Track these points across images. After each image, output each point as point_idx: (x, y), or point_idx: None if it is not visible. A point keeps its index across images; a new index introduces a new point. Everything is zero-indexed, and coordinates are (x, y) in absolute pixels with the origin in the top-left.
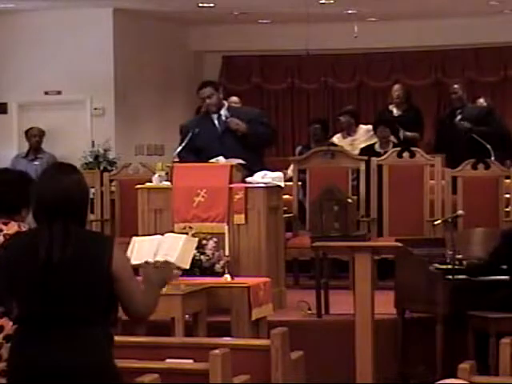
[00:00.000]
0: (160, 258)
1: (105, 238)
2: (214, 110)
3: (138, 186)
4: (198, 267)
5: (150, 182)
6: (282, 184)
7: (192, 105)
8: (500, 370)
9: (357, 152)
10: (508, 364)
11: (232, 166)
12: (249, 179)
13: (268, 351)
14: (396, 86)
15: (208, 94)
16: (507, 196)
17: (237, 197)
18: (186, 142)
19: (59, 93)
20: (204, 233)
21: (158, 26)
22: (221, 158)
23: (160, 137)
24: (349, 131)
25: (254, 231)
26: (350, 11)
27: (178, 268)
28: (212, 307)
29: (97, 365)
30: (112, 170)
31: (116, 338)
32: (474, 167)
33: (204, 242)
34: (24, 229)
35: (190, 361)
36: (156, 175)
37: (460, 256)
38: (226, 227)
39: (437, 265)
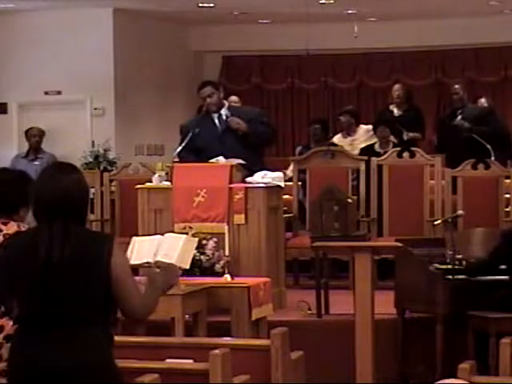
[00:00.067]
0: (160, 258)
1: (105, 237)
2: (215, 110)
3: (138, 186)
4: (198, 267)
5: (150, 181)
6: (282, 184)
7: (192, 105)
8: (500, 370)
9: (357, 152)
10: (508, 364)
11: (232, 166)
12: (249, 179)
13: (268, 351)
14: (396, 86)
15: (208, 94)
16: (507, 196)
17: (237, 197)
18: (186, 141)
19: (59, 93)
20: (204, 233)
21: (158, 26)
22: (221, 158)
23: (160, 137)
24: (349, 131)
25: (253, 231)
26: (350, 11)
27: (179, 268)
28: (212, 307)
29: (97, 365)
30: (112, 170)
31: (116, 338)
32: (474, 167)
33: (204, 241)
34: (23, 228)
35: (190, 361)
36: (156, 175)
37: (460, 256)
38: (226, 227)
39: (437, 265)
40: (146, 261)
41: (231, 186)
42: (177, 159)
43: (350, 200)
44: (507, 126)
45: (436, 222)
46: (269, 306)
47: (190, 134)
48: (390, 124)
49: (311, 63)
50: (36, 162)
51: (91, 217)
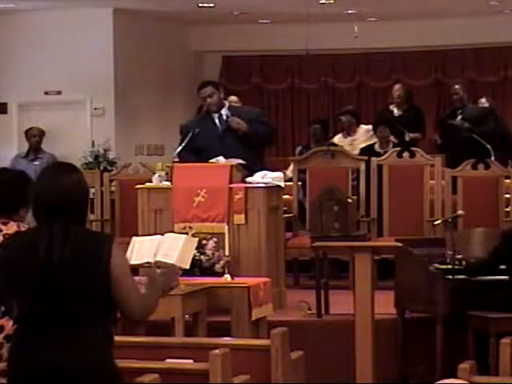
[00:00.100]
0: (160, 258)
1: (104, 238)
2: (215, 110)
3: (138, 186)
4: (198, 267)
5: (150, 181)
6: (282, 184)
7: (192, 105)
8: (500, 370)
9: (357, 152)
10: (508, 364)
11: (232, 166)
12: (249, 179)
13: (268, 351)
14: (397, 86)
15: (209, 94)
16: (507, 196)
17: (237, 197)
18: (186, 141)
19: (59, 93)
20: (204, 233)
21: (158, 26)
22: (221, 158)
23: (160, 137)
24: (349, 131)
25: (254, 231)
26: (350, 11)
27: (179, 268)
28: (212, 307)
29: (97, 365)
30: (112, 170)
31: (116, 338)
32: (474, 167)
33: (204, 241)
34: (23, 228)
35: (190, 361)
36: (156, 175)
37: (460, 256)
38: (226, 227)
39: (437, 265)
40: (146, 261)
41: (231, 186)
42: (177, 159)
43: (350, 200)
44: (507, 125)
45: (436, 222)
46: (269, 305)
47: (190, 134)
48: (390, 124)
49: (311, 63)
50: (36, 162)
51: (91, 217)
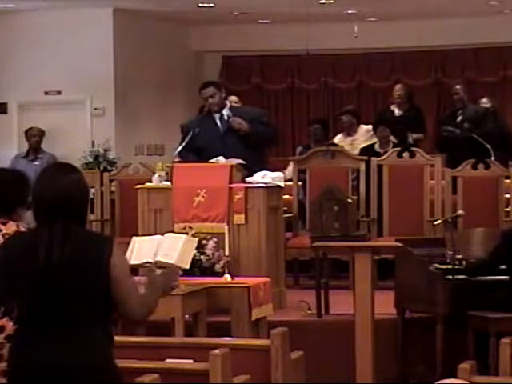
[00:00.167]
0: (160, 258)
1: (104, 239)
2: (216, 110)
3: (138, 186)
4: (198, 267)
5: (150, 182)
6: (282, 184)
7: (192, 105)
8: (500, 370)
9: (357, 152)
10: (508, 364)
11: (232, 166)
12: (249, 179)
13: (268, 351)
14: (397, 86)
15: (210, 94)
16: (507, 196)
17: (237, 197)
18: (186, 141)
19: (59, 93)
20: (204, 233)
21: (158, 26)
22: (221, 158)
23: (160, 137)
24: (350, 131)
25: (254, 231)
26: (350, 11)
27: (179, 268)
28: (212, 307)
29: (97, 365)
30: (112, 170)
31: (116, 338)
32: (474, 167)
33: (204, 241)
34: (23, 228)
35: (190, 361)
36: (156, 175)
37: (460, 256)
38: (226, 227)
39: (437, 265)
40: (145, 261)
41: (231, 186)
42: (177, 159)
43: (350, 200)
44: (507, 125)
45: (436, 222)
46: (269, 306)
47: (191, 134)
48: (389, 124)
49: (311, 63)
50: (36, 162)
51: (91, 217)
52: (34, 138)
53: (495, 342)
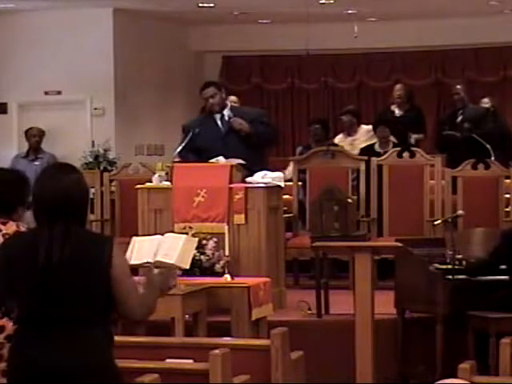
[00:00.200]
0: (160, 258)
1: (104, 239)
2: (217, 110)
3: (138, 186)
4: (198, 267)
5: (150, 182)
6: (282, 184)
7: (192, 105)
8: (500, 370)
9: (357, 152)
10: (508, 364)
11: (232, 166)
12: (249, 179)
13: (268, 351)
14: (398, 86)
15: (211, 94)
16: (507, 196)
17: (237, 197)
18: (186, 141)
19: (59, 93)
20: (204, 233)
21: (158, 26)
22: (221, 158)
23: (160, 137)
24: (350, 131)
25: (254, 231)
26: (350, 11)
27: (178, 268)
28: (212, 307)
29: (97, 365)
30: (112, 170)
31: (116, 338)
32: (474, 167)
33: (204, 241)
34: (23, 228)
35: (190, 361)
36: (156, 175)
37: (460, 256)
38: (226, 227)
39: (437, 265)
40: (145, 261)
41: (231, 186)
42: (178, 159)
43: (350, 200)
44: (508, 125)
45: (436, 222)
46: (269, 305)
47: (190, 134)
48: (389, 124)
49: (311, 63)
50: (36, 162)
51: (91, 217)
52: (34, 138)
53: (495, 342)
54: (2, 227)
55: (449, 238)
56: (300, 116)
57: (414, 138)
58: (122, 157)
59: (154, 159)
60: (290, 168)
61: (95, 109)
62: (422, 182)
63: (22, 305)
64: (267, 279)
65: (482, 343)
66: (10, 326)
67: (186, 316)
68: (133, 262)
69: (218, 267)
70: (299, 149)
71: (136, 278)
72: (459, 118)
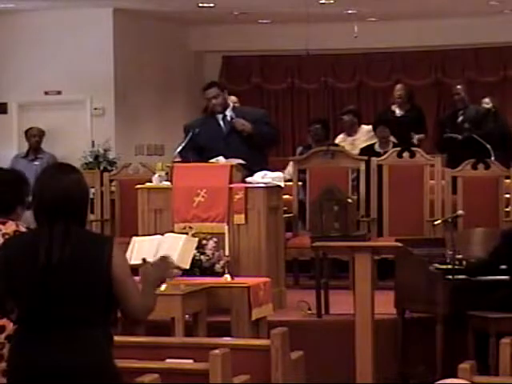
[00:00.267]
0: None
1: (105, 239)
2: (220, 111)
3: (138, 186)
4: (198, 267)
5: (150, 182)
6: (282, 184)
7: (192, 105)
8: (500, 370)
9: (357, 152)
10: (508, 364)
11: (232, 166)
12: (249, 179)
13: (268, 351)
14: (398, 86)
15: (214, 95)
16: (507, 196)
17: (237, 197)
18: (185, 141)
19: (59, 93)
20: (204, 233)
21: (158, 26)
22: (221, 158)
23: (160, 137)
24: (351, 131)
25: (254, 231)
26: (350, 11)
27: (178, 268)
28: (212, 307)
29: (97, 365)
30: (112, 170)
31: (116, 338)
32: (474, 167)
33: (204, 241)
34: (22, 228)
35: (190, 361)
36: (156, 175)
37: (460, 256)
38: (226, 227)
39: (437, 265)
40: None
41: (231, 186)
42: (178, 158)
43: (350, 200)
44: (508, 126)
45: (436, 222)
46: (269, 305)
47: (190, 134)
48: (390, 124)
49: (311, 63)
50: (36, 162)
51: (91, 217)
52: (34, 138)
53: (495, 342)
54: (2, 227)
55: (449, 238)
56: (300, 116)
57: (416, 138)
58: (122, 157)
59: (154, 159)
60: (290, 168)
61: (95, 109)
62: (422, 182)
63: (21, 305)
64: (267, 279)
65: (482, 343)
66: (10, 326)
67: (186, 316)
68: (133, 262)
69: (218, 267)
70: (299, 149)
71: (136, 278)
72: (460, 119)
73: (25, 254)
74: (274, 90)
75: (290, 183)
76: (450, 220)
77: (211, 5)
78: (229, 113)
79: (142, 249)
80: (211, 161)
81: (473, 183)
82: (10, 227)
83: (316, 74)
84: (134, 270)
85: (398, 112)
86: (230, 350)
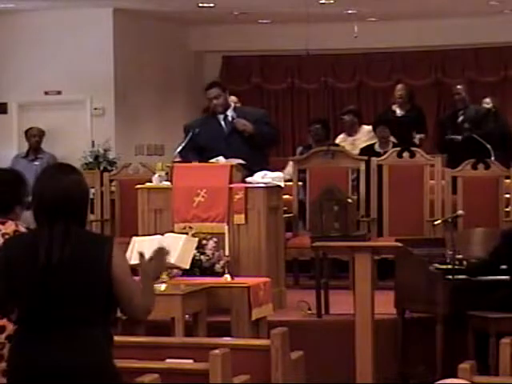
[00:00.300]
0: None
1: (105, 239)
2: (221, 111)
3: (138, 186)
4: (198, 267)
5: (150, 182)
6: (282, 184)
7: (192, 105)
8: (500, 370)
9: (357, 152)
10: (508, 364)
11: (232, 166)
12: (249, 179)
13: (268, 351)
14: (399, 86)
15: (215, 95)
16: (507, 196)
17: (237, 197)
18: (185, 141)
19: (59, 93)
20: (204, 233)
21: (158, 26)
22: (221, 158)
23: (160, 137)
24: (351, 131)
25: (254, 231)
26: (350, 11)
27: (178, 268)
28: (212, 307)
29: (96, 365)
30: (112, 170)
31: (116, 338)
32: (474, 167)
33: (204, 241)
34: (21, 227)
35: (190, 361)
36: (156, 175)
37: (460, 256)
38: (226, 227)
39: (437, 265)
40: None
41: (231, 186)
42: (178, 158)
43: (350, 200)
44: (509, 126)
45: (436, 222)
46: (269, 305)
47: (190, 134)
48: (390, 124)
49: (311, 63)
50: (36, 162)
51: (91, 217)
52: (34, 138)
53: (495, 342)
54: (1, 227)
55: (449, 238)
56: (300, 116)
57: (418, 138)
58: (122, 157)
59: (154, 159)
60: (289, 168)
61: (95, 109)
62: (422, 182)
63: (22, 305)
64: (267, 279)
65: (482, 343)
66: (11, 326)
67: (186, 316)
68: (133, 262)
69: (218, 267)
70: (300, 149)
71: (136, 278)
72: (460, 119)
73: (25, 254)
74: (273, 89)
75: (290, 183)
76: (449, 220)
77: (211, 5)
78: (230, 113)
79: (141, 249)
80: (211, 161)
81: (473, 183)
82: (10, 227)
83: (316, 74)
84: (134, 270)
85: (398, 112)
86: (230, 350)
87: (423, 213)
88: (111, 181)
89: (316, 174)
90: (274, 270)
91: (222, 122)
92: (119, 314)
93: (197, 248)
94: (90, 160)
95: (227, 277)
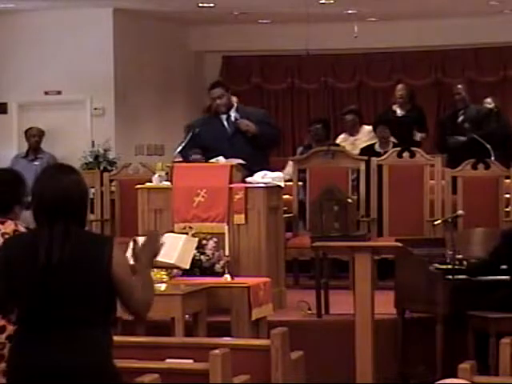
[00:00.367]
0: (160, 259)
1: (105, 239)
2: (224, 111)
3: (138, 186)
4: (198, 267)
5: (150, 182)
6: (282, 184)
7: (192, 105)
8: (500, 370)
9: (357, 152)
10: (508, 364)
11: (232, 166)
12: (249, 179)
13: (268, 351)
14: (399, 86)
15: (218, 95)
16: (507, 196)
17: (237, 197)
18: (186, 141)
19: (59, 93)
20: (204, 233)
21: (158, 26)
22: (221, 158)
23: (160, 137)
24: (352, 131)
25: (254, 231)
26: (350, 11)
27: (178, 268)
28: (212, 307)
29: (96, 365)
30: (112, 170)
31: (116, 338)
32: (474, 167)
33: (204, 241)
34: (21, 227)
35: (190, 361)
36: (156, 175)
37: (460, 256)
38: (226, 227)
39: (437, 265)
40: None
41: (231, 186)
42: (178, 158)
43: (350, 200)
44: (510, 126)
45: (436, 222)
46: (269, 306)
47: (191, 134)
48: (390, 124)
49: (311, 63)
50: (36, 162)
51: (91, 217)
52: (34, 138)
53: (495, 342)
54: (1, 226)
55: (449, 238)
56: (300, 116)
57: (419, 136)
58: (122, 157)
59: (154, 159)
60: (289, 168)
61: (95, 109)
62: (422, 182)
63: (21, 305)
64: (267, 279)
65: (482, 343)
66: (11, 326)
67: (186, 316)
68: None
69: (218, 267)
70: (300, 149)
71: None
72: (460, 118)
73: (25, 254)
74: (273, 89)
75: (290, 183)
76: (449, 220)
77: (211, 5)
78: (233, 113)
79: None
80: (211, 161)
81: (473, 183)
82: (9, 227)
83: (316, 74)
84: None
85: (399, 112)
86: (230, 349)
87: (423, 213)
88: (111, 181)
89: (316, 173)
90: (273, 269)
91: (225, 123)
92: (119, 313)
93: (197, 248)
94: (90, 160)
95: (227, 277)
